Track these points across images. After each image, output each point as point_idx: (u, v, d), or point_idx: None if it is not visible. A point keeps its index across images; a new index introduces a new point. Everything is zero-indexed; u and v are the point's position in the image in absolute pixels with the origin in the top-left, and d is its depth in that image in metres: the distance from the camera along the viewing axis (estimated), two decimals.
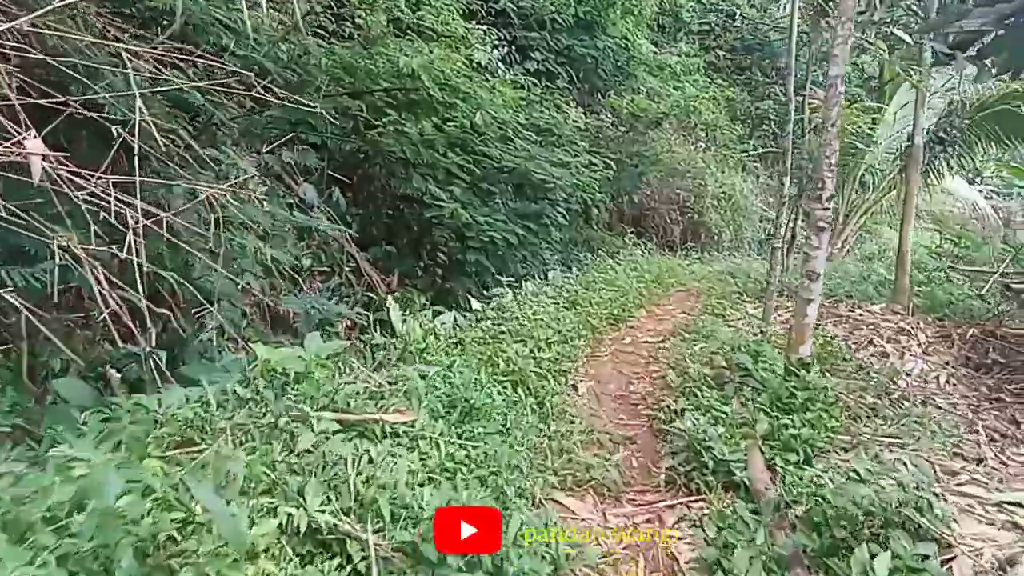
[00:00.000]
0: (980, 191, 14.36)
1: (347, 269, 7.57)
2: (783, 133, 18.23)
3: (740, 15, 19.16)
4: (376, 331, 4.68)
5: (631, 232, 13.51)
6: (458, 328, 5.36)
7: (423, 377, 3.35)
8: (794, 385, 4.02)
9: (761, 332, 5.45)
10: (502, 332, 5.26)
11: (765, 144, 18.03)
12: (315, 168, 7.22)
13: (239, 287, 4.01)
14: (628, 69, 12.88)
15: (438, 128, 7.37)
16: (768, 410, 3.87)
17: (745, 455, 3.41)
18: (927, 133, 8.17)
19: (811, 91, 9.22)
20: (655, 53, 14.32)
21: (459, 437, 3.05)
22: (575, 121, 10.71)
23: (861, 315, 6.49)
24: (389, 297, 5.49)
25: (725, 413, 3.89)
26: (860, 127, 9.07)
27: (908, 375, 4.69)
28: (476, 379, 3.84)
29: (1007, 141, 8.84)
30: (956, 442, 3.68)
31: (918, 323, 6.01)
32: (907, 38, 7.87)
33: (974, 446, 3.64)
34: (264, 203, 4.95)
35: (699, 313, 7.42)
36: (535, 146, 8.14)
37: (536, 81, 10.66)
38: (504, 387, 4.13)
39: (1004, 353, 5.14)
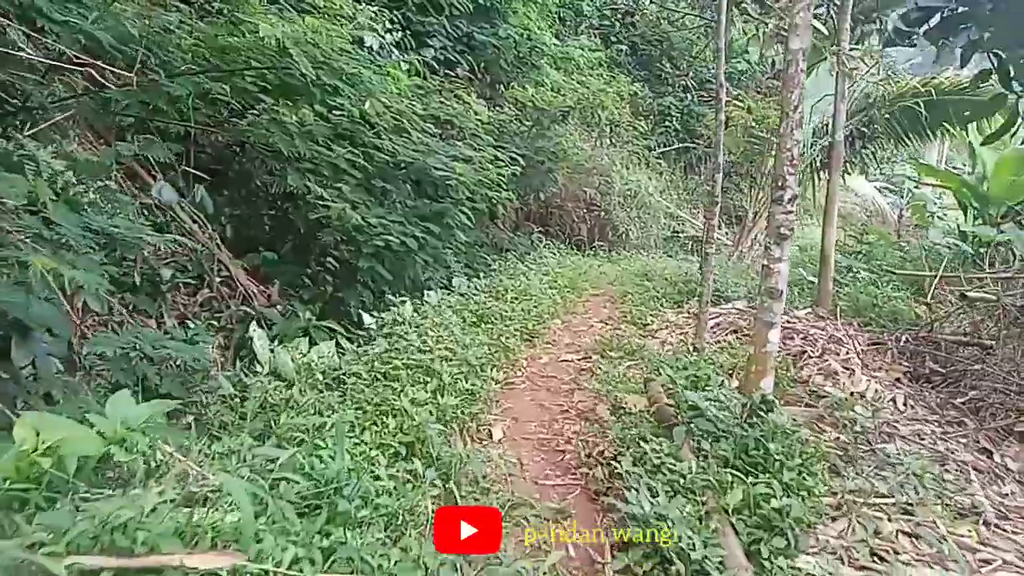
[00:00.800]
0: (876, 187, 14.89)
1: (218, 280, 6.53)
2: (685, 130, 18.35)
3: (640, 11, 19.10)
4: (237, 365, 3.77)
5: (538, 231, 12.98)
6: (342, 357, 4.41)
7: (270, 465, 2.47)
8: (761, 433, 3.21)
9: (695, 349, 4.95)
10: (395, 368, 4.26)
11: (668, 141, 18.05)
12: (170, 162, 6.14)
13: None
14: (531, 60, 12.30)
15: (321, 117, 6.44)
16: (733, 467, 3.12)
17: (716, 542, 2.65)
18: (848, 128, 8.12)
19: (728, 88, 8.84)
20: (558, 45, 13.82)
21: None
22: (478, 114, 9.99)
23: (788, 321, 6.19)
24: (253, 323, 4.48)
25: (682, 475, 3.05)
26: (771, 122, 8.97)
27: (862, 396, 4.30)
28: (354, 457, 2.92)
29: (919, 136, 8.96)
30: (946, 492, 3.20)
31: (848, 330, 5.74)
32: (821, 27, 7.70)
33: (964, 494, 3.19)
34: (88, 207, 3.94)
35: (618, 322, 6.93)
36: (435, 140, 7.36)
37: (435, 70, 9.87)
38: (395, 459, 3.21)
39: (941, 361, 4.92)
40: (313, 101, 6.60)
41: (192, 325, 6.16)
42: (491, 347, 5.37)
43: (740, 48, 17.97)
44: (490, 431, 4.10)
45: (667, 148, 17.80)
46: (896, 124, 8.69)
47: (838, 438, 3.55)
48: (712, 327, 6.29)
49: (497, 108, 10.95)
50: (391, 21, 9.07)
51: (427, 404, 3.70)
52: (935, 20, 2.85)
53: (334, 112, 6.47)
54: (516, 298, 7.13)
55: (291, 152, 5.83)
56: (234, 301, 6.60)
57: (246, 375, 3.62)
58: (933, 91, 7.98)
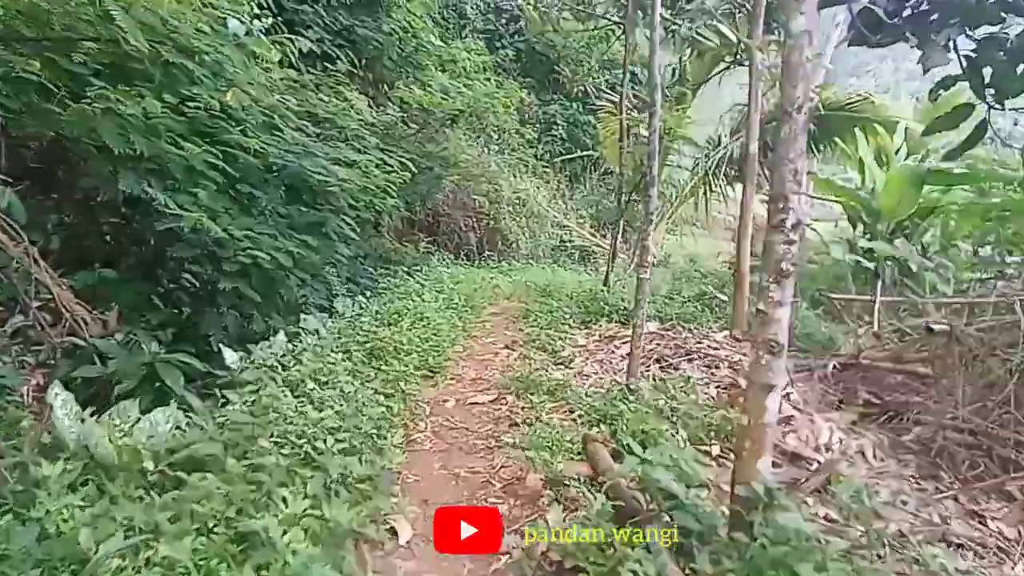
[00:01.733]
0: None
1: (35, 304, 5.28)
2: (570, 139, 18.26)
3: (525, 18, 18.85)
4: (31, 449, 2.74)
5: (425, 241, 12.24)
6: (186, 429, 3.29)
7: None
8: (775, 546, 2.28)
9: (630, 391, 4.37)
10: (260, 452, 3.00)
11: (554, 150, 17.89)
12: None
13: None
14: (416, 60, 11.58)
15: (172, 109, 5.39)
16: None
17: None
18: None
19: (628, 91, 8.52)
20: (443, 46, 13.18)
21: None
22: (360, 113, 9.14)
23: (709, 347, 5.88)
24: (53, 388, 3.37)
25: None
26: (673, 129, 8.76)
27: (828, 449, 3.95)
28: None
29: (818, 149, 9.12)
30: None
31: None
32: (731, 34, 7.61)
33: None
34: None
35: (526, 347, 6.34)
36: (313, 140, 6.48)
37: (312, 64, 8.92)
38: None
39: (872, 389, 4.74)
40: (161, 89, 5.55)
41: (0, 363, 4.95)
42: (387, 396, 4.45)
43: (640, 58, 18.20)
44: (394, 528, 3.06)
45: (567, 156, 17.60)
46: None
47: (835, 521, 3.05)
48: (627, 353, 5.89)
49: (381, 109, 10.14)
50: (259, 6, 8.04)
51: (306, 517, 2.61)
52: (907, 13, 2.48)
53: (188, 104, 5.44)
54: (411, 324, 6.36)
55: (126, 150, 4.77)
56: (57, 330, 5.39)
57: (36, 464, 2.50)
58: (820, 106, 8.16)
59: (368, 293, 7.43)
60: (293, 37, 7.39)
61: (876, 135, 8.68)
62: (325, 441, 3.05)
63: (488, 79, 15.17)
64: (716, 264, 13.85)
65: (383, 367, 4.98)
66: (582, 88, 17.44)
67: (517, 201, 15.06)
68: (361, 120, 8.96)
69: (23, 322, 5.21)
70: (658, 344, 6.02)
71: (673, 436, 3.58)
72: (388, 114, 10.48)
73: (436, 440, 4.23)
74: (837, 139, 9.16)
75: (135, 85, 5.31)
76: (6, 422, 4.73)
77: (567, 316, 7.49)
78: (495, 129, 15.53)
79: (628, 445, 3.10)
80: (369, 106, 10.12)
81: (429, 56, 12.19)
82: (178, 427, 2.98)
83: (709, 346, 5.90)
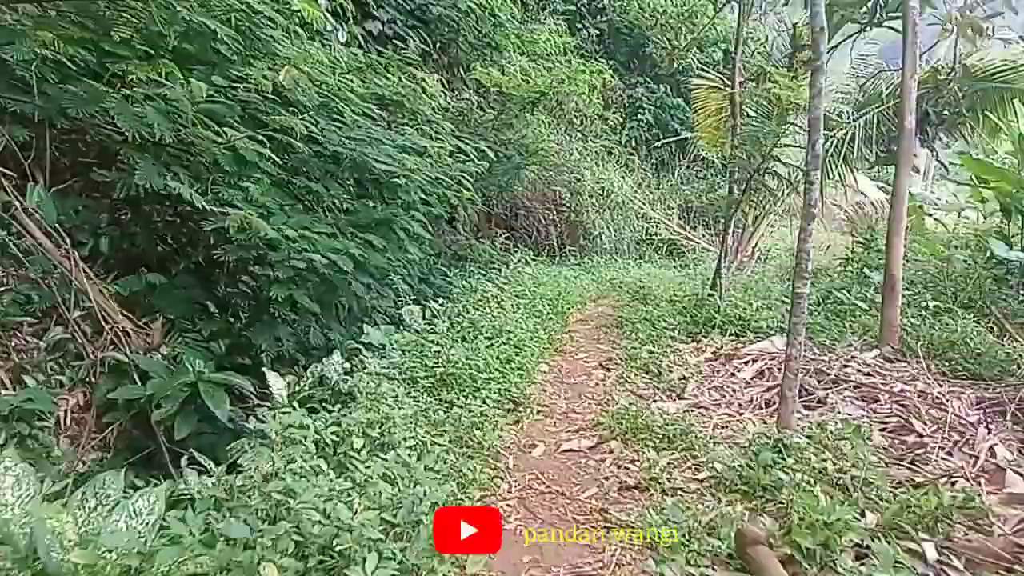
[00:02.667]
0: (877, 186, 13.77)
1: (77, 314, 4.77)
2: (657, 123, 17.00)
3: None
4: None
5: (503, 236, 11.41)
6: (167, 534, 2.17)
7: None
8: None
9: (784, 446, 3.26)
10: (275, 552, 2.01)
11: (640, 135, 16.69)
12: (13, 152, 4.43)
13: None
14: (494, 40, 10.73)
15: (221, 91, 4.75)
16: None
17: None
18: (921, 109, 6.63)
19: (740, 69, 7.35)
20: (524, 25, 12.26)
21: None
22: (433, 97, 8.39)
23: (858, 371, 4.75)
24: (3, 462, 2.60)
25: None
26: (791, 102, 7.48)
27: None
28: None
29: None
30: None
31: (939, 381, 4.37)
32: None
33: None
34: None
35: (624, 368, 5.37)
36: (379, 126, 5.73)
37: (382, 49, 8.22)
38: None
39: None
40: (211, 70, 4.94)
41: (32, 382, 4.44)
42: (459, 457, 3.43)
43: (720, 35, 16.81)
44: None
45: (663, 141, 16.36)
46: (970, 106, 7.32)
47: None
48: (752, 377, 4.80)
49: (456, 92, 9.36)
50: None
51: None
52: None
53: (236, 86, 4.78)
54: (489, 339, 5.47)
55: (168, 138, 4.15)
56: (99, 343, 4.85)
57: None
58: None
59: (441, 299, 6.65)
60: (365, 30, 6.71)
61: None
62: (364, 565, 1.97)
63: (570, 61, 14.17)
64: (825, 259, 12.39)
65: (455, 403, 4.09)
66: (681, 64, 16.18)
67: (600, 192, 14.02)
68: (434, 104, 8.21)
69: (62, 334, 4.72)
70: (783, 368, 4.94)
71: (861, 526, 2.54)
72: (464, 98, 9.70)
73: (523, 512, 3.16)
74: (988, 113, 7.64)
75: (189, 67, 4.71)
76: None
77: (670, 327, 6.46)
78: (577, 114, 14.53)
79: (814, 554, 2.12)
80: (443, 90, 9.38)
81: (507, 37, 11.32)
82: (163, 524, 2.17)
83: (858, 370, 4.74)
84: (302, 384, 3.95)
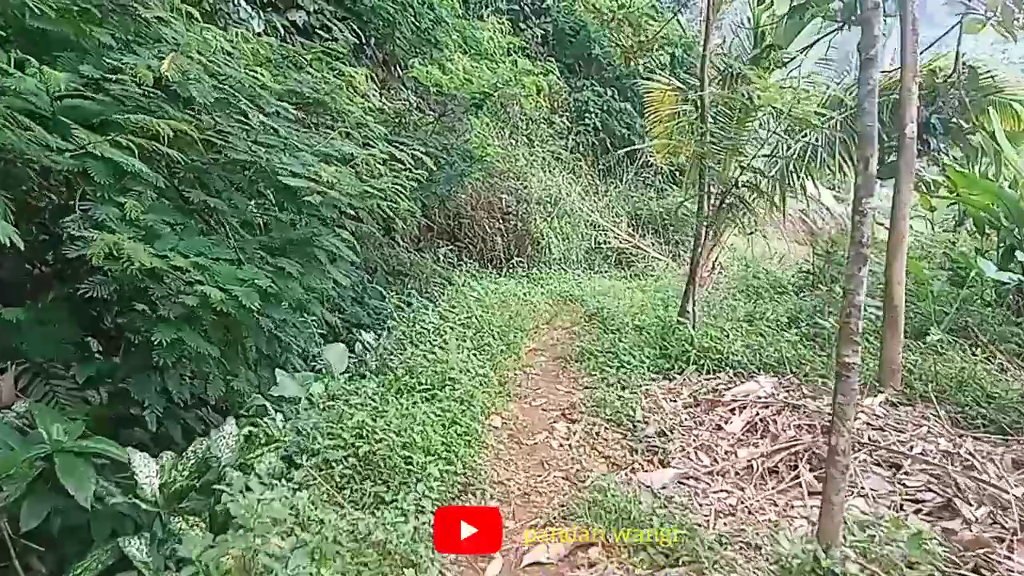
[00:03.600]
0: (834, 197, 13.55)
1: None
2: (605, 128, 16.49)
3: None
4: None
5: (446, 248, 10.59)
6: None
7: None
8: None
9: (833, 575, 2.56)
10: None
11: (587, 140, 16.14)
12: None
13: None
14: (434, 37, 9.92)
15: (90, 84, 3.82)
16: None
17: None
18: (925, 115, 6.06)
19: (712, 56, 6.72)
20: (466, 21, 11.50)
21: None
22: (366, 96, 7.54)
23: (867, 424, 4.14)
24: None
25: None
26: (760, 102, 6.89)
27: None
28: None
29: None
30: None
31: (965, 438, 3.81)
32: None
33: None
34: None
35: (590, 415, 4.64)
36: (295, 129, 4.86)
37: (306, 41, 7.32)
38: None
39: None
40: (96, 58, 4.01)
41: None
42: None
43: (667, 39, 16.43)
44: None
45: (627, 149, 15.78)
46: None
47: None
48: (743, 431, 4.13)
49: (393, 92, 8.53)
50: None
51: None
52: None
53: (111, 79, 3.84)
54: (429, 390, 4.59)
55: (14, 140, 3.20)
56: None
57: None
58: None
59: (375, 332, 5.80)
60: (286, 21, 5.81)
61: (1015, 117, 6.82)
62: None
63: (515, 62, 13.49)
64: (778, 269, 12.06)
65: (378, 507, 3.15)
66: (629, 68, 15.73)
67: (548, 199, 13.37)
68: (365, 105, 7.36)
69: None
70: (787, 419, 4.27)
71: None
72: (401, 99, 8.87)
73: None
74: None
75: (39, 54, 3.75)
76: None
77: (638, 361, 5.81)
78: (523, 118, 13.87)
79: None
80: (378, 89, 8.54)
81: (448, 34, 10.54)
82: None
83: (868, 423, 4.14)
84: (180, 468, 3.05)
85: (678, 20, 16.22)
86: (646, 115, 11.65)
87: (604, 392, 5.11)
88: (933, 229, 11.99)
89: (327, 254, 4.58)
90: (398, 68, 10.00)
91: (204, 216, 4.14)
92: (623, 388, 5.18)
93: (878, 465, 3.62)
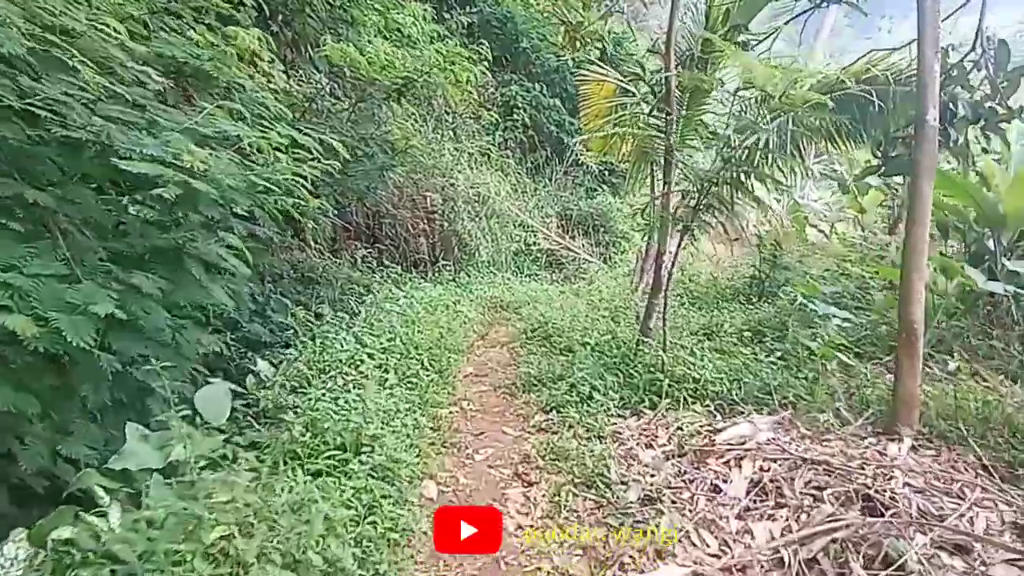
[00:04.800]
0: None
1: None
2: (533, 124, 15.76)
3: None
4: None
5: (365, 250, 9.52)
6: None
7: None
8: None
9: None
10: None
11: (515, 136, 15.35)
12: None
13: None
14: (349, 15, 8.85)
15: None
16: None
17: None
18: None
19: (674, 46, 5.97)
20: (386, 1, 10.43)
21: None
22: (269, 76, 6.47)
23: (907, 483, 3.41)
24: None
25: None
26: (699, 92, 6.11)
27: None
28: None
29: None
30: None
31: (1010, 492, 3.20)
32: None
33: None
34: None
35: (550, 472, 3.75)
36: (163, 103, 3.79)
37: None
38: None
39: None
40: None
41: None
42: None
43: (599, 33, 15.88)
44: None
45: (560, 145, 15.01)
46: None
47: None
48: (751, 495, 3.34)
49: (301, 73, 7.45)
50: None
51: None
52: None
53: None
54: (336, 455, 3.46)
55: None
56: None
57: None
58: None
59: (274, 357, 4.76)
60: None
61: None
62: None
63: (439, 50, 12.50)
64: (715, 272, 11.66)
65: None
66: (557, 62, 15.11)
67: (476, 198, 12.49)
68: (273, 87, 6.29)
69: None
70: (805, 478, 3.49)
71: None
72: (313, 82, 7.78)
73: None
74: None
75: None
76: None
77: (600, 394, 4.91)
78: (448, 111, 12.93)
79: None
80: (285, 70, 7.42)
81: (366, 15, 9.46)
82: None
83: (907, 482, 3.37)
84: None
85: (612, 12, 15.71)
86: (580, 109, 10.99)
87: (565, 438, 4.18)
88: (863, 231, 11.91)
89: (205, 265, 3.53)
90: (309, 49, 8.86)
91: (22, 216, 3.02)
92: (587, 431, 4.32)
93: (943, 549, 2.91)
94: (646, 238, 9.61)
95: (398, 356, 5.36)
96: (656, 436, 4.22)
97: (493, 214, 13.00)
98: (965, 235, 6.28)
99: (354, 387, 4.30)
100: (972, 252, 6.21)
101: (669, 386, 4.95)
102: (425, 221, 11.06)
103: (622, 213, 16.43)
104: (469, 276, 11.41)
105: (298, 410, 3.90)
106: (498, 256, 12.95)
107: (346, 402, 3.95)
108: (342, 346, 5.18)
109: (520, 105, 15.46)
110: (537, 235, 14.45)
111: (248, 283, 5.57)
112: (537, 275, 13.55)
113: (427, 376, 5.30)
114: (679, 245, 5.59)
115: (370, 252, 9.69)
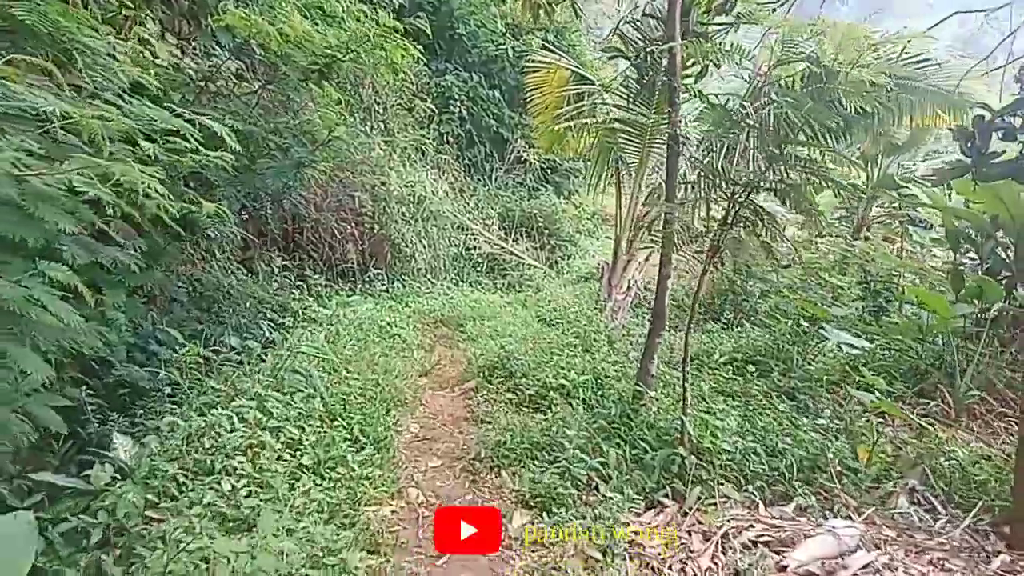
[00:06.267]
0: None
1: None
2: (471, 117, 14.62)
3: None
4: None
5: (283, 260, 8.17)
6: None
7: None
8: None
9: None
10: None
11: (452, 130, 14.17)
12: None
13: None
14: None
15: None
16: None
17: None
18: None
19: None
20: None
21: None
22: (150, 44, 5.14)
23: None
24: None
25: None
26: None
27: None
28: None
29: None
30: None
31: None
32: None
33: None
34: None
35: None
36: None
37: None
38: None
39: None
40: None
41: None
42: None
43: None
44: None
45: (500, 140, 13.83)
46: None
47: None
48: None
49: (195, 46, 6.10)
50: None
51: None
52: None
53: None
54: None
55: None
56: None
57: None
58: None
59: (150, 417, 3.48)
60: None
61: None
62: None
63: (368, 24, 11.18)
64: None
65: None
66: (495, 51, 14.02)
67: (411, 198, 11.26)
68: (159, 63, 4.96)
69: None
70: None
71: None
72: (213, 59, 6.41)
73: None
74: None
75: None
76: None
77: (605, 481, 3.69)
78: (379, 101, 11.63)
79: None
80: (176, 44, 6.07)
81: None
82: None
83: None
84: None
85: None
86: (528, 100, 9.96)
87: (565, 560, 2.93)
88: (820, 235, 11.37)
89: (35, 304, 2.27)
90: (210, 22, 7.42)
91: None
92: (593, 543, 3.11)
93: None
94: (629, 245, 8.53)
95: (317, 424, 4.01)
96: (692, 550, 3.15)
97: (430, 216, 11.79)
98: (980, 246, 5.57)
99: (249, 495, 3.03)
100: (988, 265, 5.52)
101: (693, 468, 3.70)
102: (353, 225, 9.76)
103: (567, 214, 15.54)
104: (404, 286, 10.22)
105: (157, 547, 2.55)
106: (436, 262, 11.76)
107: (231, 528, 2.67)
108: (237, 421, 3.70)
109: (457, 97, 14.29)
110: (478, 238, 13.34)
111: (120, 310, 4.26)
112: (479, 282, 12.46)
113: (358, 456, 3.90)
114: (665, 265, 4.50)
115: (289, 262, 8.35)
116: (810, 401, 4.53)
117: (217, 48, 7.11)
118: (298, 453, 3.65)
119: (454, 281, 11.93)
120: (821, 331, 4.85)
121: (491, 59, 15.14)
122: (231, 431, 3.53)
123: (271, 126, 6.29)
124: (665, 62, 4.75)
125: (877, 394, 4.06)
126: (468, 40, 14.91)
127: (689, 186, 4.16)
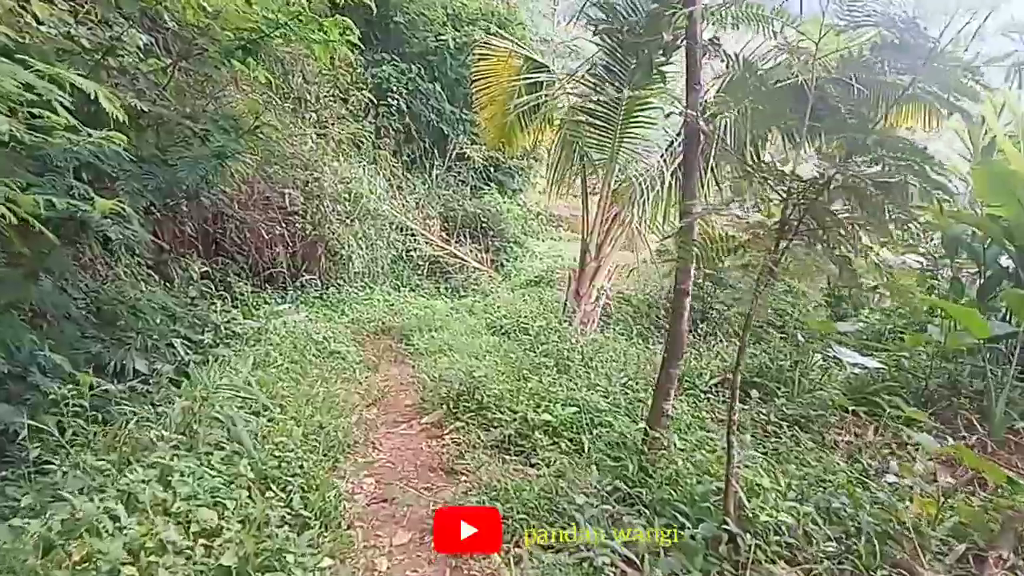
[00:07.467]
0: None
1: None
2: (410, 111, 13.79)
3: None
4: None
5: (203, 265, 7.19)
6: None
7: None
8: None
9: None
10: None
11: (389, 124, 13.30)
12: None
13: None
14: None
15: None
16: None
17: None
18: None
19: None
20: None
21: None
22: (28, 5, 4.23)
23: None
24: None
25: None
26: None
27: None
28: None
29: None
30: None
31: None
32: None
33: None
34: None
35: None
36: None
37: None
38: None
39: None
40: None
41: None
42: None
43: (481, 12, 14.28)
44: None
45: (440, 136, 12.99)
46: None
47: None
48: None
49: (96, 17, 5.15)
50: None
51: None
52: None
53: None
54: None
55: None
56: None
57: None
58: None
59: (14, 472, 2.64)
60: None
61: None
62: None
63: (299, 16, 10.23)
64: (623, 282, 10.43)
65: None
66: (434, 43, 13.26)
67: (347, 196, 10.37)
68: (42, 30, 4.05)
69: None
70: None
71: None
72: (121, 33, 5.43)
73: None
74: None
75: None
76: None
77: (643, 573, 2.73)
78: (309, 90, 10.67)
79: None
80: (74, 16, 5.08)
81: None
82: None
83: None
84: None
85: None
86: (473, 92, 9.28)
87: None
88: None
89: None
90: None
91: None
92: None
93: None
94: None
95: (242, 497, 2.98)
96: None
97: (367, 215, 10.93)
98: (980, 254, 5.19)
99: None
100: (988, 277, 5.17)
101: (751, 547, 2.80)
102: (283, 225, 8.83)
103: (512, 214, 14.93)
104: (340, 292, 9.37)
105: None
106: (374, 266, 10.92)
107: None
108: (127, 511, 2.63)
109: (394, 89, 13.43)
110: (418, 240, 12.55)
111: None
112: (420, 287, 11.70)
113: (300, 541, 2.81)
114: (682, 279, 3.84)
115: (210, 267, 7.37)
116: (838, 439, 3.98)
117: (120, 17, 6.09)
118: (214, 551, 2.62)
119: (394, 286, 11.14)
120: (829, 348, 4.38)
121: (430, 50, 14.33)
122: (118, 528, 2.54)
123: (186, 110, 5.39)
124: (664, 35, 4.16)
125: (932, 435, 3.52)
126: (407, 29, 14.07)
127: (717, 185, 3.59)
